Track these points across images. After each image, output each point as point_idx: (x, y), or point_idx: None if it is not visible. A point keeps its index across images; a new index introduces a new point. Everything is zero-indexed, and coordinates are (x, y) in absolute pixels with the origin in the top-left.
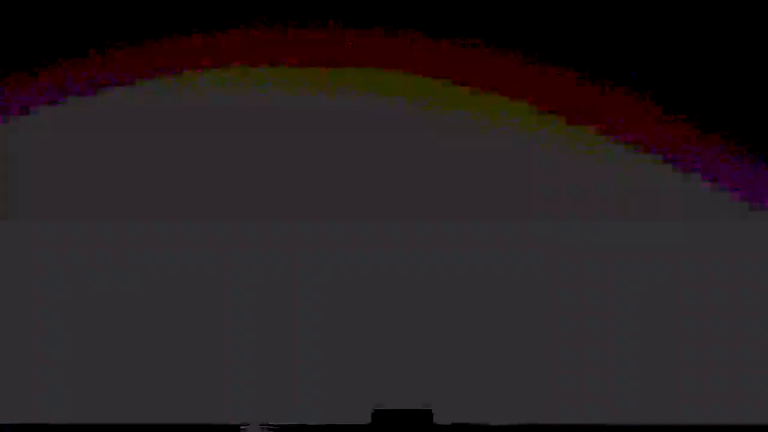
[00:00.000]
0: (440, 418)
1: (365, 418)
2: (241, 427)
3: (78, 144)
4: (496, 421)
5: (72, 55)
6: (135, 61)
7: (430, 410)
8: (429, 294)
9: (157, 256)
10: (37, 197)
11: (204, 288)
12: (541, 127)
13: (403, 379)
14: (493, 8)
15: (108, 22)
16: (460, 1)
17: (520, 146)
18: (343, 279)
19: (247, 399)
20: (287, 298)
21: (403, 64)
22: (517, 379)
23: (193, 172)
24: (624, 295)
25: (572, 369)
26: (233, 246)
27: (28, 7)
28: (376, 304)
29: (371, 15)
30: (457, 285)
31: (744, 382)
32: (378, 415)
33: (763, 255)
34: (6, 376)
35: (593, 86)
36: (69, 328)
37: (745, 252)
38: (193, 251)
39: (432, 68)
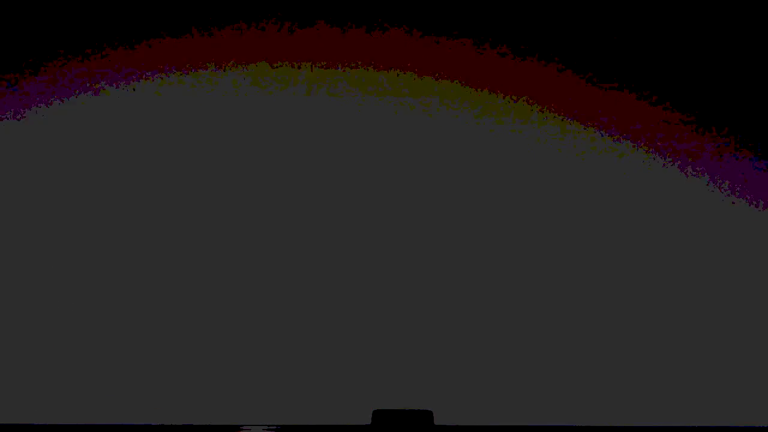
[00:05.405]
0: (441, 419)
1: (365, 419)
2: (242, 428)
3: (76, 144)
4: (496, 421)
5: (72, 54)
6: (136, 60)
7: (431, 411)
8: (429, 294)
9: (156, 257)
10: (35, 198)
11: (204, 287)
12: (540, 126)
13: (404, 379)
14: (492, 7)
15: (107, 22)
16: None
17: (519, 146)
18: (343, 278)
19: (247, 399)
20: (287, 298)
21: (401, 63)
22: (517, 379)
23: (193, 172)
24: (624, 295)
25: (573, 369)
26: (233, 246)
27: (26, 6)
28: (376, 304)
29: (369, 13)
30: (457, 285)
31: (744, 384)
32: (378, 415)
33: (763, 255)
34: (5, 376)
35: (593, 86)
36: (68, 327)
37: (745, 252)
38: (193, 251)
39: (431, 67)
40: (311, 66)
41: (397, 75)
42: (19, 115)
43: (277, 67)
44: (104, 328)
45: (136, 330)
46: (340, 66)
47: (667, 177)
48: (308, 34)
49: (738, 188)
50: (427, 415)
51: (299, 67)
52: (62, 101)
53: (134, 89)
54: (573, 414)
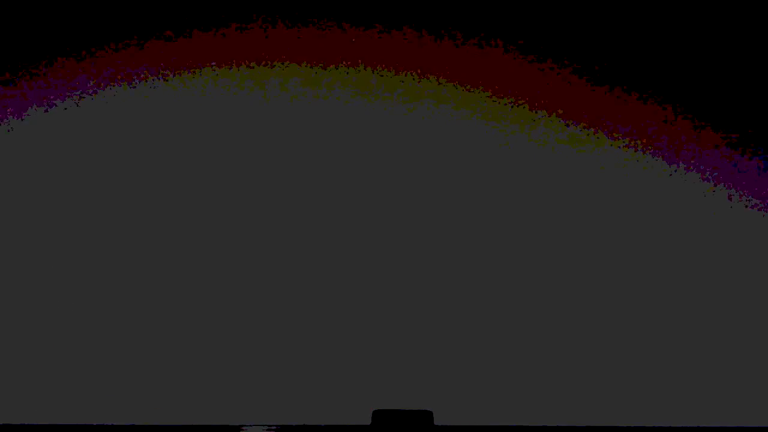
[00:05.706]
0: (441, 419)
1: (365, 419)
2: (242, 428)
3: (76, 145)
4: (496, 421)
5: (71, 54)
6: (137, 60)
7: (431, 411)
8: (429, 294)
9: (157, 257)
10: (35, 198)
11: (203, 288)
12: (539, 126)
13: (404, 379)
14: (491, 6)
15: (107, 22)
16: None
17: (519, 145)
18: (343, 279)
19: (247, 399)
20: (287, 299)
21: (400, 63)
22: (517, 379)
23: (192, 173)
24: (624, 296)
25: (572, 370)
26: (233, 247)
27: (26, 6)
28: (376, 305)
29: (368, 13)
30: (457, 286)
31: (744, 384)
32: (378, 415)
33: (763, 255)
34: (5, 376)
35: (592, 85)
36: (68, 328)
37: (745, 252)
38: (193, 252)
39: (430, 67)
40: (309, 66)
41: (394, 75)
42: (17, 116)
43: (274, 67)
44: (104, 329)
45: (136, 330)
46: (339, 66)
47: (669, 177)
48: (307, 33)
49: (738, 188)
50: (427, 415)
51: (293, 67)
52: (59, 102)
53: (133, 89)
54: (573, 414)
